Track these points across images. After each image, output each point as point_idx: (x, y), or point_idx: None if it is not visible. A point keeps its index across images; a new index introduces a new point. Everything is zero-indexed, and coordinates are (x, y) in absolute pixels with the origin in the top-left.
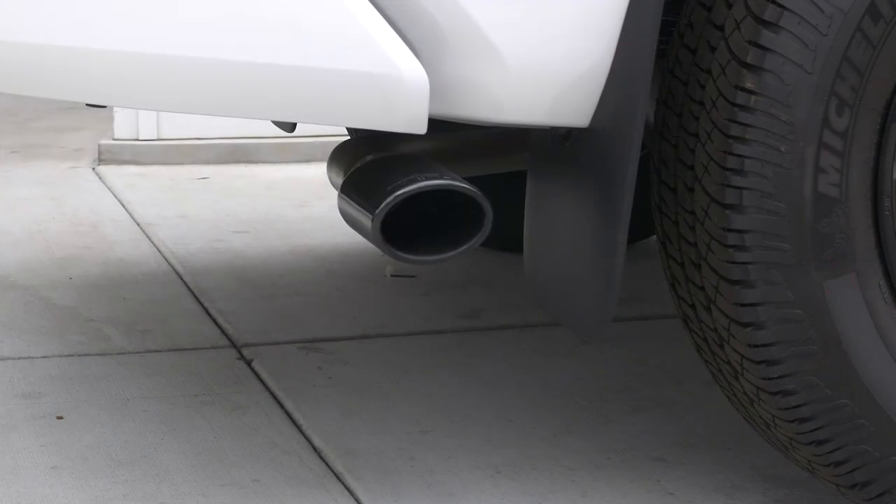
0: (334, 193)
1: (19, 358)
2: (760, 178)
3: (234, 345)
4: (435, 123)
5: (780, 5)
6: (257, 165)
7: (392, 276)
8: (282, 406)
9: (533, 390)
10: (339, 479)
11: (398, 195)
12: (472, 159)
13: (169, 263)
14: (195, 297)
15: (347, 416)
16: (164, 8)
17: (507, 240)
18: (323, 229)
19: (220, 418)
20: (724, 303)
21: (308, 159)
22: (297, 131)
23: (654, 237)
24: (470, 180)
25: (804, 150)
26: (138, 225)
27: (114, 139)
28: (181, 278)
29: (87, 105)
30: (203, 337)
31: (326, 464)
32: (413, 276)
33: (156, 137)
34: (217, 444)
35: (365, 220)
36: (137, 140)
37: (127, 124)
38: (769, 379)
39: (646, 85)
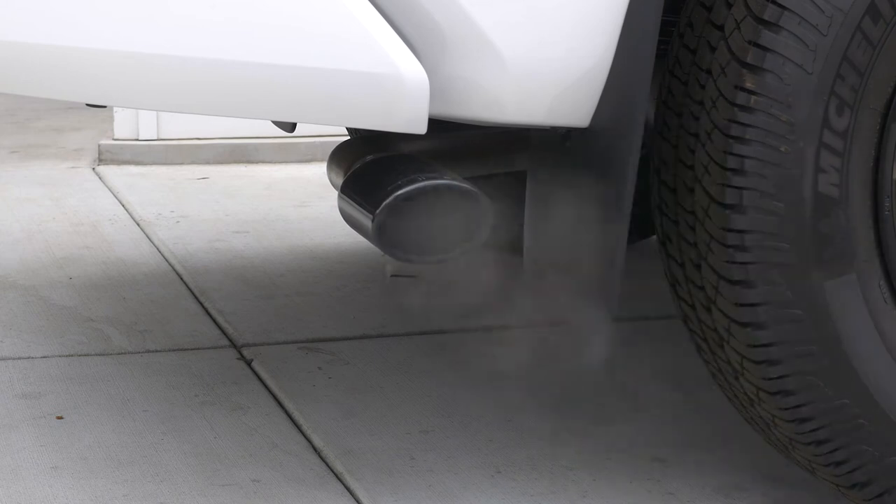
0: (334, 193)
1: (19, 358)
2: (760, 178)
3: (234, 345)
4: (435, 123)
5: (780, 5)
6: (257, 165)
7: (392, 276)
8: (282, 406)
9: (533, 390)
10: (339, 479)
11: (398, 195)
12: (472, 159)
13: (169, 263)
14: (195, 297)
15: (347, 416)
16: (165, 8)
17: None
18: (323, 229)
19: (220, 418)
20: (724, 303)
21: (308, 159)
22: (297, 131)
23: (654, 237)
24: (470, 180)
25: (804, 150)
26: (138, 225)
27: (114, 139)
28: (181, 278)
29: (87, 105)
30: (203, 337)
31: (326, 464)
32: (413, 276)
33: (156, 137)
34: (217, 444)
35: (365, 220)
36: (137, 140)
37: (127, 124)
38: (769, 379)
39: (646, 85)
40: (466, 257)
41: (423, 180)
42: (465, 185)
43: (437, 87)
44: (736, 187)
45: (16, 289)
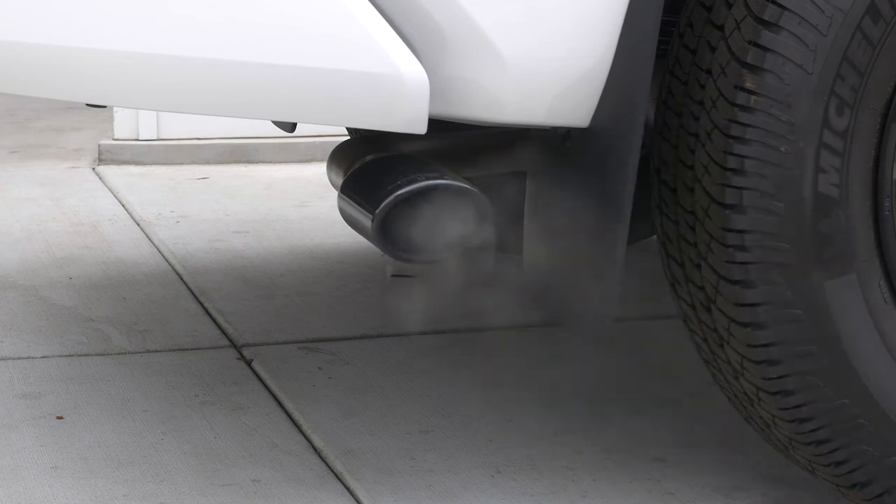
0: (334, 193)
1: (19, 358)
2: (760, 178)
3: (234, 345)
4: (435, 123)
5: (780, 5)
6: (257, 165)
7: (392, 276)
8: (282, 406)
9: (533, 390)
10: (339, 479)
11: (398, 195)
12: (472, 159)
13: (169, 263)
14: (195, 297)
15: (347, 416)
16: (165, 8)
17: None
18: (323, 229)
19: (220, 418)
20: (724, 303)
21: (308, 159)
22: (297, 131)
23: (654, 237)
24: (470, 180)
25: (804, 150)
26: (138, 225)
27: (114, 139)
28: (181, 278)
29: (87, 105)
30: (203, 337)
31: (326, 464)
32: (413, 276)
33: (156, 137)
34: (217, 444)
35: (365, 219)
36: (137, 140)
37: (127, 124)
38: (769, 379)
39: (646, 85)
40: (466, 257)
41: (422, 180)
42: (465, 185)
43: (437, 87)
44: (736, 187)
45: (16, 289)
